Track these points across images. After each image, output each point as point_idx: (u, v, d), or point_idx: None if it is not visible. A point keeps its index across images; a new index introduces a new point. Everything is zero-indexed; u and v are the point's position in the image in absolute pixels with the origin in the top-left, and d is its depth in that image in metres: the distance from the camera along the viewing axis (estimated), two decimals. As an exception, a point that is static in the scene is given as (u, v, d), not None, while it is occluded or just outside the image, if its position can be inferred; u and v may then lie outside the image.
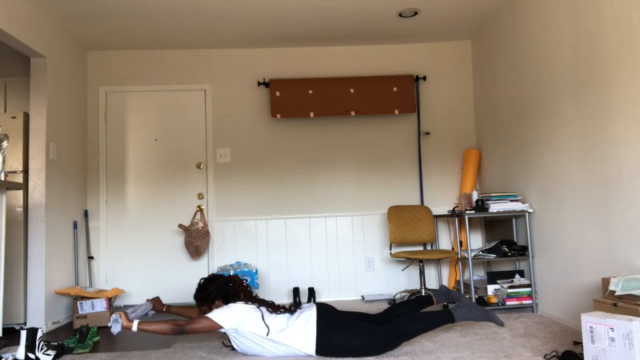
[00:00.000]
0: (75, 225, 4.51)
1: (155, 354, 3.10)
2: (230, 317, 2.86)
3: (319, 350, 2.83)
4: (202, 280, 3.23)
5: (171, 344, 3.33)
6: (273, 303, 3.05)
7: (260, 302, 3.01)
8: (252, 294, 3.18)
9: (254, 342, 2.87)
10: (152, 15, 4.14)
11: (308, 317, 2.89)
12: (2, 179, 3.03)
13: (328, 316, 2.91)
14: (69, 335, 3.72)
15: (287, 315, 2.97)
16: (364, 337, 2.82)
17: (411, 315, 2.94)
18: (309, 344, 2.83)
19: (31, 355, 2.90)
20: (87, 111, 4.89)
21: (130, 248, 4.80)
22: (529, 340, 3.07)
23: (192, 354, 3.06)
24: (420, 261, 4.35)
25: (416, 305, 3.21)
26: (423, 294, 4.18)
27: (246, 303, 2.97)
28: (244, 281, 3.23)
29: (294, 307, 3.23)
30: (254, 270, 4.46)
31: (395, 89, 4.84)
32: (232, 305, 2.95)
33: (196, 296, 3.20)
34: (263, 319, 2.88)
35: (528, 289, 3.87)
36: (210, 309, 3.12)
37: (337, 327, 2.85)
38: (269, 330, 2.85)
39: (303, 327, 2.86)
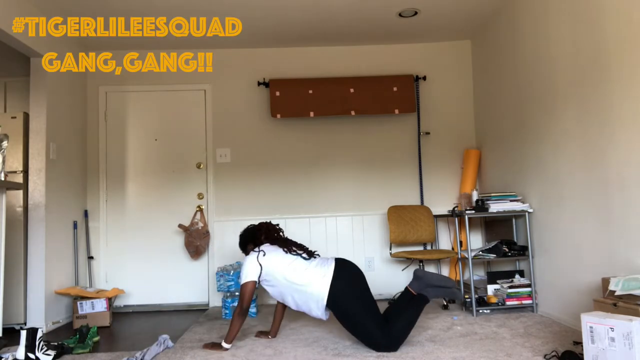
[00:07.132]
0: (75, 225, 4.51)
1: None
2: (249, 271, 3.10)
3: (330, 302, 2.97)
4: (240, 232, 3.50)
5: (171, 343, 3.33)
6: (295, 243, 3.26)
7: (281, 242, 3.23)
8: (276, 236, 3.34)
9: (275, 285, 3.11)
10: (152, 15, 4.14)
11: (325, 272, 3.04)
12: (2, 179, 3.03)
13: (346, 275, 3.04)
14: (69, 335, 3.72)
15: (305, 262, 3.13)
16: (373, 323, 2.91)
17: (393, 315, 3.00)
18: (324, 289, 2.98)
19: (31, 355, 2.90)
20: (87, 111, 4.89)
21: (130, 248, 4.80)
22: (529, 340, 3.07)
23: (192, 353, 3.07)
24: (420, 261, 4.35)
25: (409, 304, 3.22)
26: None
27: (272, 244, 3.22)
28: (267, 224, 3.39)
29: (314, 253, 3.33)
30: (254, 270, 4.46)
31: (395, 88, 4.84)
32: (247, 257, 3.16)
33: (239, 245, 3.47)
34: (282, 262, 3.09)
35: (528, 289, 3.87)
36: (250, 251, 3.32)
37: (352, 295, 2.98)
38: (287, 274, 3.05)
39: (321, 277, 3.01)
